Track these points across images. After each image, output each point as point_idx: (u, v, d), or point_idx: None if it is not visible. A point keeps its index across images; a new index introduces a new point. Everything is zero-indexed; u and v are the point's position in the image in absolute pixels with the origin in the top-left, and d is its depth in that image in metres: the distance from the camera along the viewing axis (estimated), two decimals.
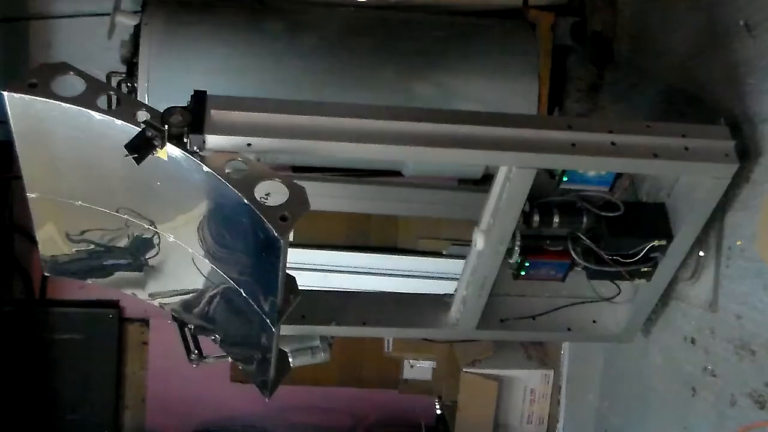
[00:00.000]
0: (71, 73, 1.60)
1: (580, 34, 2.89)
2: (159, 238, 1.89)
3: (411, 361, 3.81)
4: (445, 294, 2.32)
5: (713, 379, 2.07)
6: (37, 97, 1.55)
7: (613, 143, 1.84)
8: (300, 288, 1.74)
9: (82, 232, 1.97)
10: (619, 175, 2.01)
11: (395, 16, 2.90)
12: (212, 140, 1.61)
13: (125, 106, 1.59)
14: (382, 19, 2.89)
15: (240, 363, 2.19)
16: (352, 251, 3.52)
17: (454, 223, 3.41)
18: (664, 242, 2.05)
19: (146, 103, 2.56)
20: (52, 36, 3.51)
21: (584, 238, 2.05)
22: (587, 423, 2.89)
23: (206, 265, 1.82)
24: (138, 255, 2.01)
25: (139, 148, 1.52)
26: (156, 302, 2.13)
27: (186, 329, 2.17)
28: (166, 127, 1.55)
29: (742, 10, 2.02)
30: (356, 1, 2.95)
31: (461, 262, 2.21)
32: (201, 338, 2.19)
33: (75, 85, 1.58)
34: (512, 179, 1.86)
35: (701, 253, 2.11)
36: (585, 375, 2.94)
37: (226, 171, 1.56)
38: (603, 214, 2.02)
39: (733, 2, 2.06)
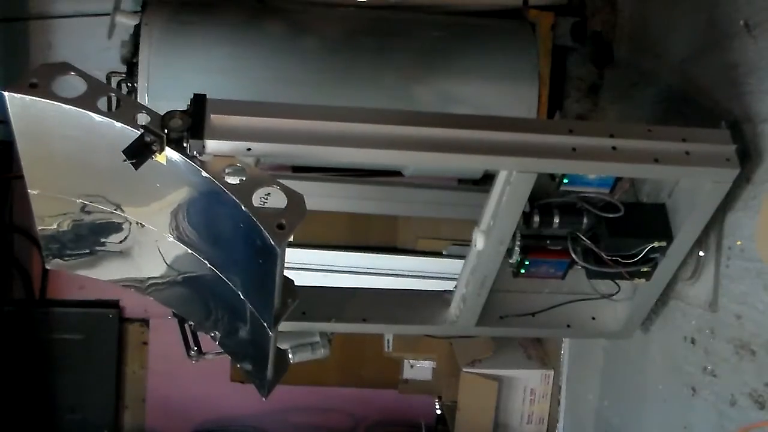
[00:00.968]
0: (72, 73, 1.60)
1: (580, 34, 2.89)
2: (159, 238, 1.89)
3: (411, 361, 3.81)
4: (444, 290, 2.32)
5: (713, 379, 2.07)
6: (38, 98, 1.55)
7: (613, 148, 1.84)
8: (300, 285, 1.74)
9: (83, 229, 1.96)
10: (619, 177, 2.01)
11: (395, 16, 2.90)
12: (212, 145, 1.61)
13: (125, 108, 1.59)
14: (382, 19, 2.89)
15: (238, 362, 2.20)
16: (352, 251, 3.53)
17: (454, 223, 3.41)
18: (663, 243, 2.05)
19: (146, 102, 2.58)
20: (52, 36, 3.52)
21: (584, 238, 2.05)
22: (587, 423, 2.89)
23: (206, 268, 1.82)
24: (138, 254, 2.01)
25: (138, 153, 1.51)
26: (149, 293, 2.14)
27: (186, 325, 2.17)
28: (166, 131, 1.55)
29: (742, 10, 2.02)
30: (356, 1, 2.95)
31: (461, 261, 2.21)
32: (200, 335, 2.19)
33: (76, 85, 1.58)
34: (513, 183, 1.86)
35: (701, 253, 2.11)
36: (585, 375, 2.95)
37: (225, 176, 1.56)
38: (603, 215, 2.02)
39: (733, 2, 2.06)
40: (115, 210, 1.87)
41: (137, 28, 2.65)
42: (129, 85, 2.67)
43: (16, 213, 3.80)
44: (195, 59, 2.68)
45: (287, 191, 1.53)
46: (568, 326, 2.33)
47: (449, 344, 3.52)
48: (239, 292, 1.74)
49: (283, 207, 1.50)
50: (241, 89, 2.64)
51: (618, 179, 2.00)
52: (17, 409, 3.97)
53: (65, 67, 1.60)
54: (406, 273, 3.49)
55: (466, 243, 2.13)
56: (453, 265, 3.22)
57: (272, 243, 1.45)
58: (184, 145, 1.58)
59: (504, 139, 1.80)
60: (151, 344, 4.16)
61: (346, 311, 2.23)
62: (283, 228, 1.46)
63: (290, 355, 2.19)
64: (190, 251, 1.83)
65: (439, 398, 3.76)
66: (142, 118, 1.57)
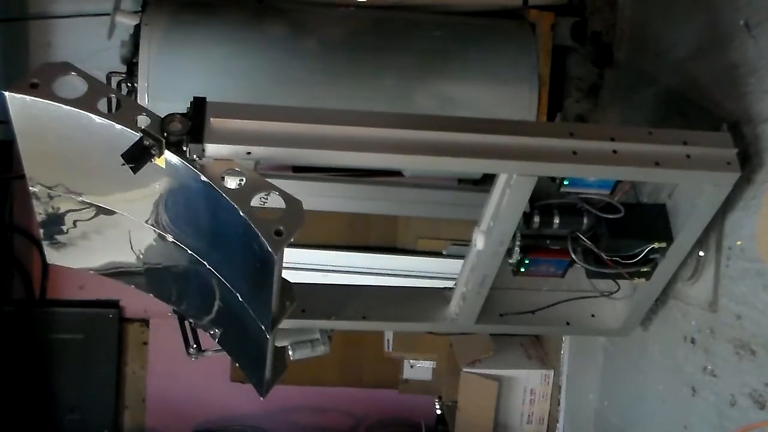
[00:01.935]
0: (73, 73, 1.60)
1: (580, 34, 2.89)
2: (159, 238, 1.89)
3: (411, 361, 3.80)
4: (444, 288, 2.33)
5: (713, 379, 2.07)
6: (38, 98, 1.55)
7: (614, 151, 1.84)
8: (300, 283, 1.73)
9: (83, 225, 1.96)
10: None
11: (395, 16, 2.91)
12: (211, 149, 1.61)
13: (126, 109, 1.59)
14: (382, 19, 2.89)
15: (237, 361, 2.20)
16: (352, 251, 3.52)
17: (454, 223, 3.41)
18: (664, 244, 2.05)
19: (146, 102, 2.58)
20: (52, 36, 3.52)
21: (584, 239, 2.05)
22: (587, 423, 2.89)
23: (205, 269, 1.82)
24: (138, 254, 2.01)
25: (137, 156, 1.51)
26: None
27: (186, 322, 2.17)
28: (165, 135, 1.54)
29: (742, 10, 2.02)
30: (356, 1, 2.95)
31: (461, 261, 2.21)
32: (200, 333, 2.19)
33: (77, 86, 1.58)
34: (513, 186, 1.86)
35: (701, 253, 2.11)
36: (585, 375, 2.95)
37: (223, 180, 1.56)
38: (603, 215, 2.02)
39: (733, 2, 2.06)
40: (116, 211, 1.87)
41: (137, 28, 2.65)
42: (129, 85, 2.67)
43: (16, 213, 3.80)
44: (195, 59, 2.68)
45: (286, 197, 1.52)
46: (568, 324, 2.34)
47: (449, 344, 3.52)
48: (237, 294, 1.74)
49: (281, 213, 1.50)
50: (240, 89, 2.64)
51: (618, 180, 2.00)
52: (17, 409, 3.97)
53: (66, 67, 1.60)
54: (406, 273, 3.49)
55: (466, 243, 2.13)
56: (453, 265, 3.22)
57: (269, 249, 1.45)
58: (184, 148, 1.58)
59: (504, 143, 1.80)
60: (151, 344, 4.15)
61: (346, 309, 2.23)
62: (280, 234, 1.46)
63: (290, 352, 2.20)
64: (190, 252, 1.83)
65: (439, 398, 3.76)
66: (143, 120, 1.56)
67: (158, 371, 4.17)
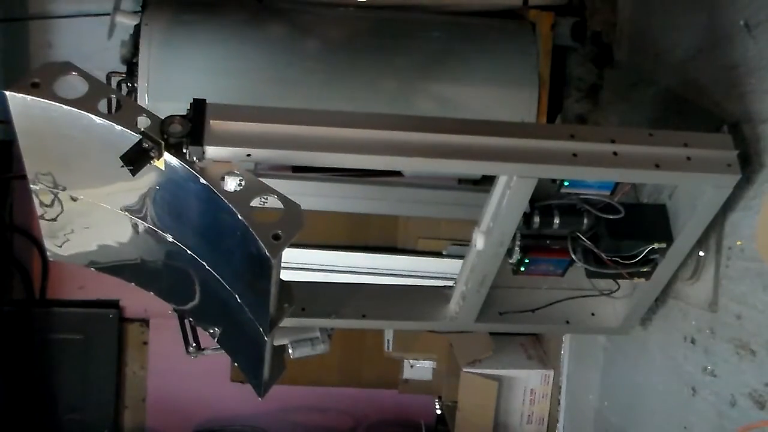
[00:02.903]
0: (74, 73, 1.59)
1: (580, 34, 2.89)
2: (159, 237, 1.89)
3: (411, 361, 3.80)
4: (444, 286, 2.33)
5: (713, 379, 2.07)
6: (39, 98, 1.55)
7: (614, 153, 1.84)
8: (300, 281, 1.73)
9: (84, 223, 1.96)
10: None
11: (395, 17, 2.91)
12: (211, 151, 1.60)
13: (126, 110, 1.59)
14: (382, 19, 2.89)
15: (235, 360, 2.20)
16: (352, 251, 3.53)
17: (454, 223, 3.41)
18: (664, 245, 2.05)
19: (146, 102, 2.58)
20: (52, 36, 3.52)
21: (584, 239, 2.05)
22: (587, 423, 2.89)
23: (204, 269, 1.82)
24: (138, 252, 2.02)
25: (136, 159, 1.51)
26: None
27: (186, 321, 2.17)
28: (165, 137, 1.54)
29: (742, 10, 2.02)
30: (356, 2, 2.95)
31: (461, 261, 2.21)
32: (200, 332, 2.20)
33: (77, 86, 1.58)
34: (513, 187, 1.86)
35: (701, 253, 2.11)
36: (585, 375, 2.95)
37: (223, 183, 1.55)
38: (603, 216, 2.02)
39: (733, 2, 2.06)
40: (119, 210, 1.87)
41: (137, 28, 2.65)
42: (129, 85, 2.67)
43: (16, 213, 3.80)
44: (195, 59, 2.68)
45: (285, 201, 1.52)
46: (568, 322, 2.34)
47: (449, 344, 3.52)
48: (236, 295, 1.74)
49: (280, 217, 1.50)
50: (240, 89, 2.64)
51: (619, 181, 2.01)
52: (17, 409, 3.97)
53: (68, 67, 1.60)
54: (406, 273, 3.50)
55: (466, 243, 2.13)
56: (453, 265, 3.22)
57: (267, 253, 1.45)
58: (184, 151, 1.57)
59: (505, 145, 1.80)
60: (151, 344, 4.16)
61: (346, 307, 2.23)
62: (278, 239, 1.46)
63: (290, 351, 2.20)
64: (190, 253, 1.83)
65: (439, 398, 3.76)
66: (142, 122, 1.56)
67: (158, 371, 4.17)
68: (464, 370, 3.33)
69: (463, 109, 2.73)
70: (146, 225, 1.88)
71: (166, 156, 1.56)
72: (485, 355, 3.36)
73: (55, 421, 4.07)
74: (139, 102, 2.57)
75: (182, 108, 1.66)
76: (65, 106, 1.55)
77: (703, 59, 2.20)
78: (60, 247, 2.03)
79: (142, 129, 1.54)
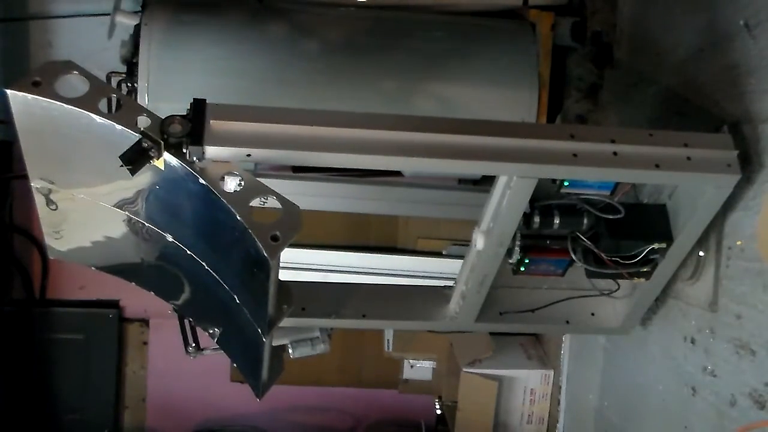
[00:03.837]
0: (75, 72, 1.59)
1: (580, 34, 2.89)
2: (158, 236, 1.89)
3: (411, 361, 3.81)
4: (444, 286, 2.33)
5: (713, 379, 2.07)
6: (40, 97, 1.55)
7: (615, 153, 1.84)
8: (300, 281, 1.73)
9: (84, 222, 1.96)
10: None
11: (395, 17, 2.91)
12: (211, 151, 1.60)
13: (126, 110, 1.59)
14: (382, 19, 2.89)
15: (234, 361, 2.20)
16: (352, 251, 3.53)
17: (454, 223, 3.41)
18: (664, 245, 2.05)
19: (146, 102, 2.58)
20: (52, 36, 3.52)
21: (584, 239, 2.06)
22: (587, 423, 2.89)
23: (204, 269, 1.82)
24: (138, 251, 2.02)
25: (135, 158, 1.51)
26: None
27: (185, 321, 2.17)
28: (165, 136, 1.54)
29: (742, 10, 2.02)
30: (356, 1, 2.95)
31: (461, 261, 2.21)
32: (199, 332, 2.20)
33: (78, 85, 1.58)
34: (513, 187, 1.86)
35: (701, 253, 2.11)
36: (585, 375, 2.95)
37: (222, 183, 1.55)
38: (603, 216, 2.02)
39: (733, 2, 2.06)
40: (118, 209, 1.87)
41: (137, 28, 2.65)
42: (129, 85, 2.67)
43: (16, 213, 3.79)
44: (195, 59, 2.68)
45: (284, 202, 1.52)
46: (567, 322, 2.34)
47: (449, 344, 3.52)
48: (235, 296, 1.74)
49: (279, 218, 1.50)
50: (240, 89, 2.64)
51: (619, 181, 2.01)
52: (17, 409, 3.97)
53: (69, 66, 1.60)
54: (406, 273, 3.50)
55: (466, 243, 2.13)
56: (453, 265, 3.22)
57: (265, 255, 1.45)
58: (184, 151, 1.57)
59: (505, 145, 1.80)
60: (151, 344, 4.16)
61: (346, 307, 2.23)
62: (277, 240, 1.46)
63: (290, 350, 2.20)
64: (189, 253, 1.83)
65: (439, 398, 3.76)
66: (143, 121, 1.56)
67: (158, 371, 4.17)
68: (464, 370, 3.33)
69: (463, 109, 2.73)
70: (146, 225, 1.88)
71: (166, 156, 1.56)
72: (485, 355, 3.36)
73: (55, 421, 4.07)
74: (139, 102, 2.57)
75: (182, 108, 1.66)
76: (66, 105, 1.55)
77: (703, 59, 2.20)
78: (61, 245, 2.04)
79: (142, 129, 1.54)
